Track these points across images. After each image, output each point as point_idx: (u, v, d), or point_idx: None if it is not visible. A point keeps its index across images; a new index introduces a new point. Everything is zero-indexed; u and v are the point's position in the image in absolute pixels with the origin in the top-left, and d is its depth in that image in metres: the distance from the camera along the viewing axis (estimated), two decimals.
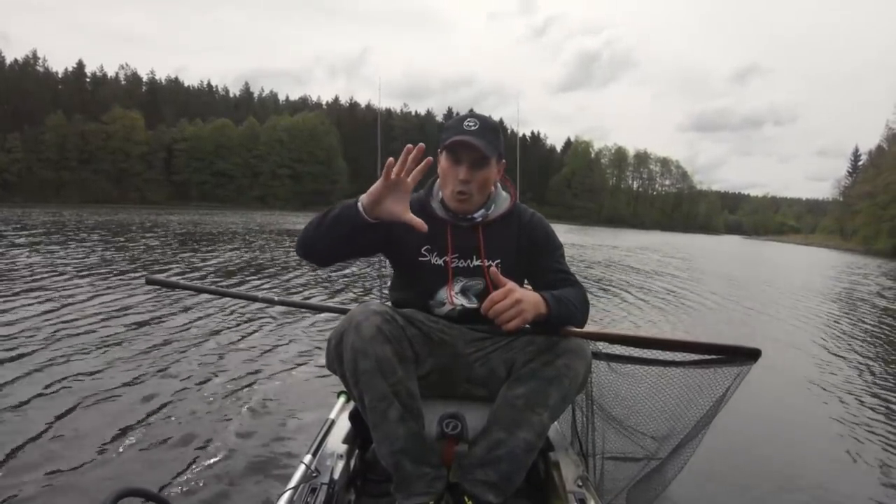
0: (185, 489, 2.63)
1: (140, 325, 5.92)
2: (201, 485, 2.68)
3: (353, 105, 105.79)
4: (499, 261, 2.00)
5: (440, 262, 1.99)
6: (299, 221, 32.23)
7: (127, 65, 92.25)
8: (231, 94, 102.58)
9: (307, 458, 1.91)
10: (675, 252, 30.07)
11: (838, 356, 6.88)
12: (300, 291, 9.14)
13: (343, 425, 2.17)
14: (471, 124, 1.91)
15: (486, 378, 1.94)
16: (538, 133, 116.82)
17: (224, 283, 9.38)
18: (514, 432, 1.76)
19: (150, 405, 3.68)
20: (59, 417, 3.38)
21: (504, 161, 2.04)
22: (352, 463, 2.04)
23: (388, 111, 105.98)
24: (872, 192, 62.76)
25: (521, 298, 1.66)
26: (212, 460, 2.93)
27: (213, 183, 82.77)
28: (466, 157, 1.91)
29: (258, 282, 10.00)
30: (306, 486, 1.79)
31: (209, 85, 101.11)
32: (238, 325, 6.17)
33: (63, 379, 4.06)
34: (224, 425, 3.42)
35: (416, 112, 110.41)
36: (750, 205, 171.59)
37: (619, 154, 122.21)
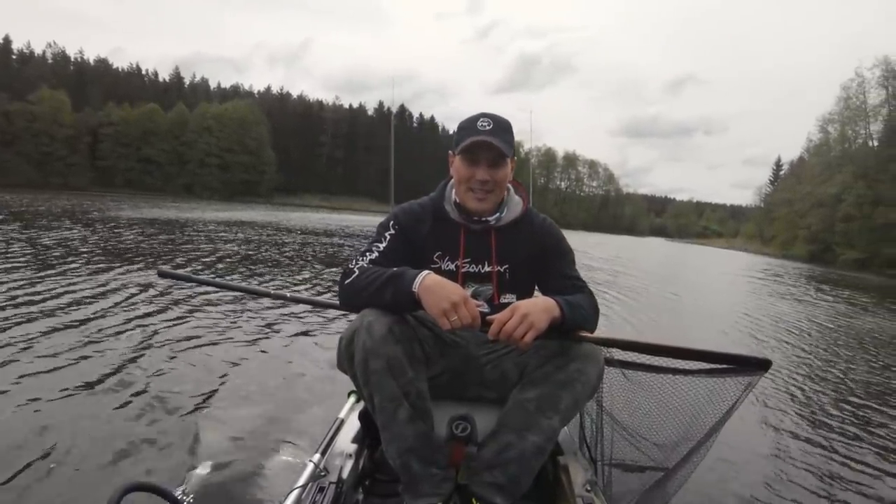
0: (192, 485, 2.61)
1: (147, 319, 5.83)
2: (209, 481, 2.66)
3: (285, 96, 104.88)
4: (508, 266, 2.00)
5: (451, 266, 1.99)
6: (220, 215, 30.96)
7: (54, 43, 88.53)
8: (161, 79, 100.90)
9: (316, 456, 1.91)
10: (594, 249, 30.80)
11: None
12: (312, 289, 9.08)
13: (353, 425, 2.16)
14: (485, 124, 1.92)
15: (498, 381, 1.94)
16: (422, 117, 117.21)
17: (231, 278, 9.31)
18: (524, 435, 1.75)
19: (156, 400, 3.65)
20: (59, 416, 3.31)
21: (515, 161, 2.04)
22: (360, 462, 2.03)
23: (320, 103, 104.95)
24: (791, 200, 64.83)
25: (527, 312, 1.67)
26: (220, 456, 2.91)
27: (139, 170, 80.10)
28: (484, 158, 1.92)
29: (267, 277, 9.93)
30: (314, 485, 1.78)
31: (138, 68, 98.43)
32: (248, 321, 6.12)
33: (66, 372, 4.03)
34: (233, 422, 3.40)
35: (349, 105, 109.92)
36: (675, 208, 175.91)
37: (549, 155, 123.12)
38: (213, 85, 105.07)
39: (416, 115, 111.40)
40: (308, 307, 6.46)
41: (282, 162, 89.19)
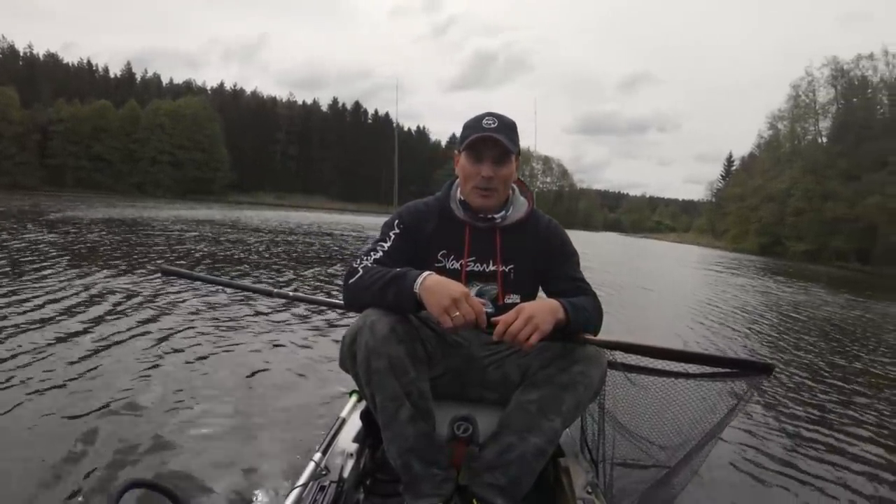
0: (193, 483, 2.60)
1: (149, 316, 5.81)
2: (210, 479, 2.64)
3: (239, 92, 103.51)
4: (513, 266, 2.00)
5: (456, 265, 1.99)
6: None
7: (3, 37, 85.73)
8: (112, 75, 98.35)
9: (317, 455, 1.90)
10: None
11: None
12: (314, 288, 9.01)
13: (354, 424, 2.16)
14: (490, 122, 1.92)
15: (500, 382, 1.94)
16: (423, 128, 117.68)
17: (231, 277, 9.22)
18: (525, 437, 1.75)
19: (156, 398, 3.62)
20: (58, 414, 3.28)
21: (520, 158, 2.04)
22: (362, 462, 2.02)
23: (274, 99, 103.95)
24: (742, 195, 66.07)
25: (532, 314, 1.67)
26: (220, 454, 2.89)
27: (89, 168, 77.58)
28: (489, 154, 1.92)
29: (268, 275, 9.85)
30: (315, 484, 1.78)
31: (89, 63, 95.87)
32: (250, 319, 6.07)
33: (65, 370, 3.98)
34: (234, 420, 3.38)
35: (302, 101, 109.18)
36: (629, 204, 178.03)
37: None
38: (165, 80, 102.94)
39: (371, 111, 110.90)
40: (309, 306, 6.44)
41: (235, 159, 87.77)
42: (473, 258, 1.99)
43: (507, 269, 1.99)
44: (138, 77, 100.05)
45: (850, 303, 15.63)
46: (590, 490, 1.87)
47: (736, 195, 68.79)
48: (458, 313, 1.61)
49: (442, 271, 1.94)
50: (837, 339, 8.84)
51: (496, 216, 2.01)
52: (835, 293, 18.47)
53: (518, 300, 1.94)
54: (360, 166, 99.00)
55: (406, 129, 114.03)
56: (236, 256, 12.33)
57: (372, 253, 1.92)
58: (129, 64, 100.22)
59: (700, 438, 1.91)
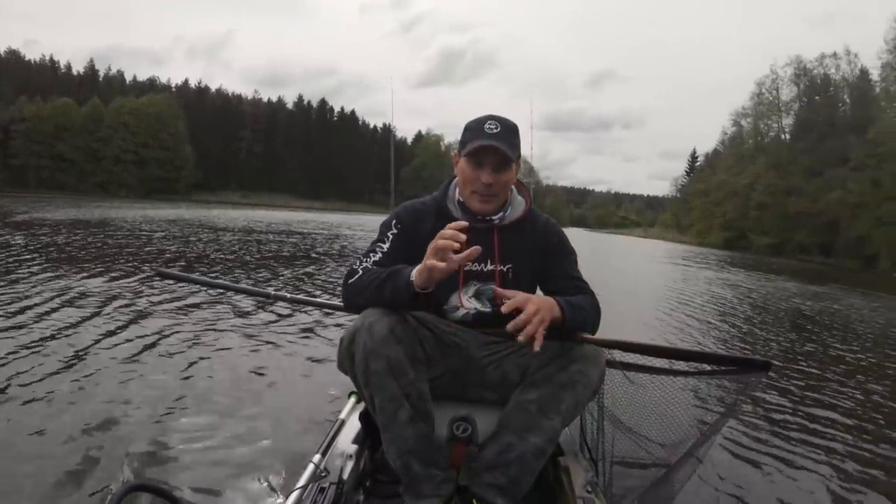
0: (192, 486, 2.57)
1: (141, 319, 5.71)
2: (209, 481, 2.63)
3: (203, 89, 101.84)
4: (511, 265, 2.00)
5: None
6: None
7: None
8: (75, 72, 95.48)
9: (316, 457, 1.89)
10: None
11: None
12: (312, 289, 8.93)
13: (353, 425, 2.15)
14: (492, 127, 1.91)
15: (499, 382, 1.94)
16: (389, 125, 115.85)
17: (227, 279, 9.07)
18: (525, 437, 1.76)
19: (153, 402, 3.58)
20: (58, 413, 3.28)
21: (520, 162, 2.06)
22: (361, 463, 2.02)
23: (239, 97, 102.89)
24: (706, 190, 67.66)
25: (539, 306, 1.68)
26: (220, 457, 2.88)
27: (52, 168, 75.60)
28: (489, 161, 1.91)
29: (288, 275, 9.87)
30: (315, 486, 1.77)
31: (52, 60, 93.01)
32: (248, 321, 6.02)
33: (62, 371, 3.96)
34: (233, 422, 3.36)
35: (267, 99, 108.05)
36: (594, 200, 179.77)
37: None
38: (129, 78, 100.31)
39: (336, 108, 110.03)
40: (307, 308, 6.42)
41: (200, 158, 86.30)
42: None
43: (505, 269, 1.99)
44: (101, 74, 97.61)
45: (818, 294, 16.14)
46: (589, 489, 1.87)
47: (700, 191, 70.19)
48: (442, 241, 1.61)
49: None
50: (816, 331, 9.13)
51: (494, 217, 2.01)
52: (802, 285, 19.08)
53: None
54: (325, 164, 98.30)
55: (372, 126, 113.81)
56: (212, 257, 12.18)
57: (371, 254, 1.93)
58: (92, 61, 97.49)
59: (699, 436, 1.93)
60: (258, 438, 3.15)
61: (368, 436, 2.08)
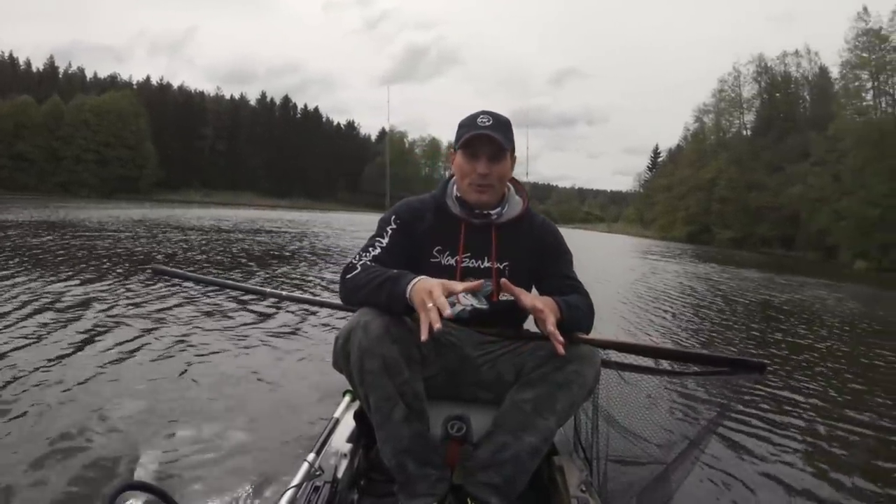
0: (186, 485, 2.57)
1: (133, 318, 5.64)
2: (203, 481, 2.62)
3: (165, 87, 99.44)
4: (508, 263, 2.00)
5: (451, 262, 1.99)
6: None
7: None
8: (34, 69, 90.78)
9: (310, 456, 1.88)
10: None
11: None
12: (308, 288, 8.93)
13: (348, 424, 2.14)
14: (485, 120, 1.93)
15: (493, 382, 1.94)
16: (353, 122, 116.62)
17: (227, 276, 9.09)
18: (520, 436, 1.76)
19: (146, 401, 3.56)
20: (57, 413, 3.27)
21: (515, 157, 2.05)
22: (355, 462, 2.02)
23: (202, 94, 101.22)
24: (669, 185, 68.98)
25: (549, 308, 1.72)
26: (214, 456, 2.88)
27: (11, 167, 70.70)
28: (484, 152, 1.92)
29: (263, 275, 9.81)
30: (309, 485, 1.77)
31: (11, 57, 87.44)
32: (242, 319, 5.95)
33: (56, 372, 3.93)
34: (226, 421, 3.34)
35: (230, 96, 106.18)
36: (559, 195, 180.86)
37: (433, 144, 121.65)
38: (89, 75, 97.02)
39: (300, 105, 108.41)
40: (303, 306, 6.39)
41: (162, 156, 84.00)
42: (469, 255, 1.98)
43: (501, 267, 1.99)
44: (62, 71, 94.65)
45: (786, 285, 16.72)
46: (584, 488, 1.88)
47: (663, 186, 71.23)
48: (430, 305, 1.58)
49: (437, 267, 1.95)
50: (793, 322, 9.41)
51: (492, 213, 2.01)
52: (769, 276, 19.77)
53: (513, 297, 1.91)
54: (289, 162, 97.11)
55: (336, 123, 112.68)
56: (187, 256, 12.02)
57: (371, 249, 1.93)
58: (52, 58, 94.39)
59: (694, 436, 1.96)
60: (251, 437, 3.14)
61: (363, 435, 2.07)
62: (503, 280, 1.74)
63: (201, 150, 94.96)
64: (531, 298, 1.74)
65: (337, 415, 2.21)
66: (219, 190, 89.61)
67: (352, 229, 28.19)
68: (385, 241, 1.95)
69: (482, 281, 1.71)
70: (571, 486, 1.88)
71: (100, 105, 78.30)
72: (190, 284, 7.10)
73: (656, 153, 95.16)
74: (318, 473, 1.81)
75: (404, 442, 1.72)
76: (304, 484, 1.76)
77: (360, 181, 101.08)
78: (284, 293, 2.36)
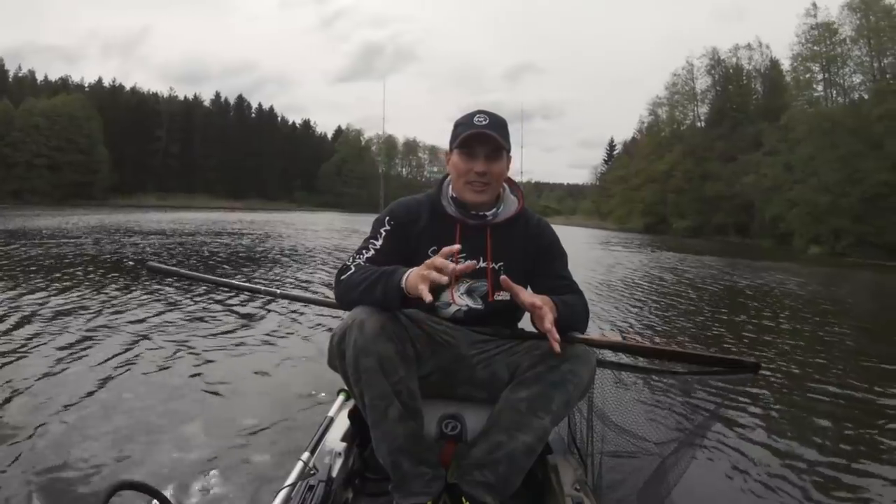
0: (181, 484, 2.57)
1: (131, 315, 5.73)
2: (198, 480, 2.62)
3: (118, 88, 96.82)
4: (503, 263, 1.99)
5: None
6: None
7: None
8: None
9: (305, 455, 1.89)
10: None
11: None
12: (303, 286, 8.94)
13: (342, 423, 2.13)
14: (481, 119, 1.92)
15: (488, 381, 1.94)
16: (310, 121, 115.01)
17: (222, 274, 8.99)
18: (514, 435, 1.77)
19: (143, 399, 3.58)
20: (54, 413, 3.29)
21: (511, 156, 2.04)
22: (350, 461, 2.01)
23: (155, 95, 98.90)
24: (625, 177, 70.61)
25: (543, 304, 1.71)
26: (209, 455, 2.87)
27: None
28: (481, 150, 1.91)
29: (259, 273, 9.83)
30: (304, 484, 1.76)
31: None
32: (237, 318, 6.00)
33: (52, 371, 3.99)
34: (221, 420, 3.35)
35: (184, 97, 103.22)
36: None
37: (389, 142, 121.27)
38: (40, 77, 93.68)
39: (255, 105, 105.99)
40: (294, 306, 6.38)
41: (115, 160, 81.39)
42: (464, 255, 1.96)
43: (496, 266, 1.98)
44: (11, 74, 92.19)
45: (747, 271, 17.41)
46: (578, 487, 1.90)
47: (619, 177, 72.51)
48: (435, 273, 1.58)
49: None
50: (781, 311, 9.67)
51: (487, 213, 2.00)
52: (728, 263, 20.48)
53: (508, 297, 1.91)
54: (244, 163, 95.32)
55: (291, 122, 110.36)
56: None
57: (364, 251, 1.92)
58: (1, 60, 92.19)
59: (689, 434, 1.99)
60: (246, 436, 3.15)
61: (358, 433, 2.06)
62: (503, 277, 1.73)
63: (155, 152, 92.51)
64: (529, 295, 1.74)
65: (331, 414, 2.22)
66: (173, 193, 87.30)
67: (313, 228, 28.39)
68: (379, 242, 1.94)
69: (474, 262, 1.73)
70: (565, 485, 1.90)
71: (51, 109, 75.19)
72: (173, 288, 7.05)
73: (612, 146, 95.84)
74: (312, 472, 1.81)
75: (399, 440, 1.72)
76: (299, 483, 1.75)
77: (316, 181, 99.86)
78: (279, 291, 2.33)
